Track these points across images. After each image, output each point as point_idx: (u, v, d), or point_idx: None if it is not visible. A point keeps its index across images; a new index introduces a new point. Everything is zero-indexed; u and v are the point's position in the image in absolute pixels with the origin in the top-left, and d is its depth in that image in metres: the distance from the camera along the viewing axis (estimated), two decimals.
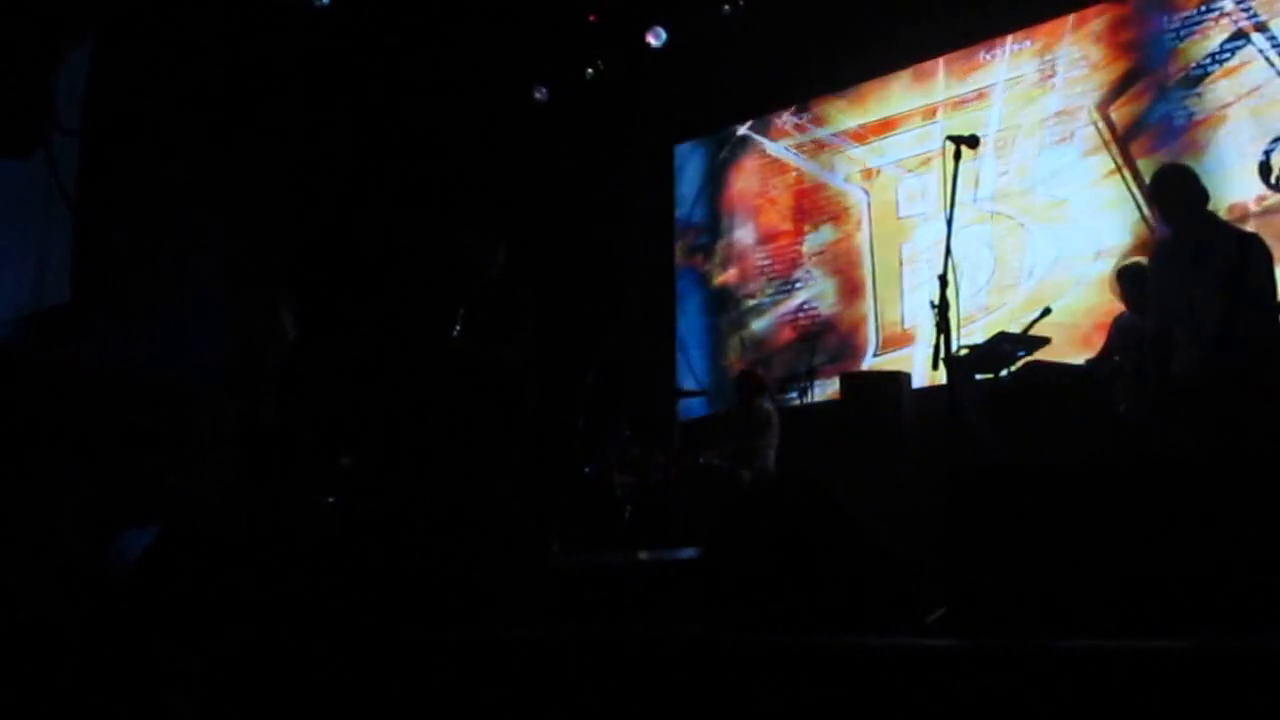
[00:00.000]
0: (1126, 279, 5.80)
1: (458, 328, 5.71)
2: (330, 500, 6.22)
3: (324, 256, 8.02)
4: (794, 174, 9.19)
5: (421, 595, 4.11)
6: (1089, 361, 5.76)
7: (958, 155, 4.67)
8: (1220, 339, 4.26)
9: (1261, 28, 6.88)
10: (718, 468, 7.29)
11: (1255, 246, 4.46)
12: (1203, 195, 4.56)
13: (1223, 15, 7.05)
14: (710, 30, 8.50)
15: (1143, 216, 7.18)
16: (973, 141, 4.75)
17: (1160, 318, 4.63)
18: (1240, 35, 6.97)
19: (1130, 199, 7.30)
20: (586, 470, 7.41)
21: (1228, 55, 7.00)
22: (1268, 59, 6.83)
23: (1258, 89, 6.82)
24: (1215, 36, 7.07)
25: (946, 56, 8.35)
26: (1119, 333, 5.66)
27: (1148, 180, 6.99)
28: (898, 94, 8.63)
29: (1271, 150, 6.69)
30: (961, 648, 2.71)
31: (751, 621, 3.39)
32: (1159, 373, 4.45)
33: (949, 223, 4.63)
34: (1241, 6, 6.98)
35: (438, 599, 4.11)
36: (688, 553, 4.73)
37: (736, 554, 3.62)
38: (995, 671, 2.55)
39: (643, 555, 5.39)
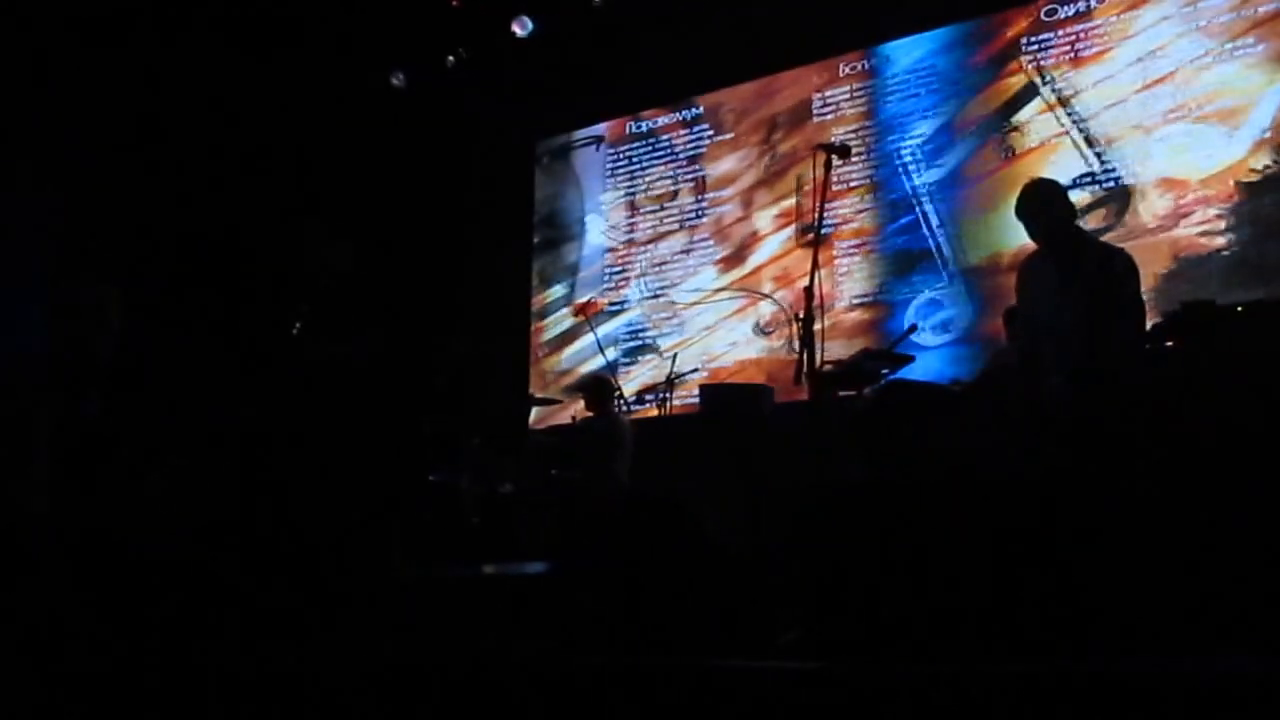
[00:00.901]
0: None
1: (299, 325, 5.47)
2: (160, 503, 5.90)
3: (159, 246, 7.61)
4: (647, 179, 9.11)
5: (255, 608, 3.92)
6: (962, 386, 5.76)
7: (828, 165, 4.60)
8: (1087, 356, 4.25)
9: (1042, 73, 7.16)
10: (569, 479, 7.14)
11: (1122, 262, 4.46)
12: (1069, 211, 4.56)
13: (1018, 63, 7.29)
14: (577, 23, 8.37)
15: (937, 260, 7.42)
16: (843, 151, 4.69)
17: (1027, 337, 4.63)
18: (1032, 88, 7.22)
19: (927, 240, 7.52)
20: (433, 478, 7.19)
21: (1022, 105, 7.25)
22: (1056, 116, 7.08)
23: (1052, 138, 7.08)
24: (1014, 84, 7.32)
25: (801, 69, 8.39)
26: (993, 364, 5.68)
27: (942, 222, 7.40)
28: (747, 103, 8.65)
29: None
30: (816, 669, 2.67)
31: (600, 640, 3.28)
32: (1024, 392, 4.44)
33: (816, 233, 4.56)
34: (1029, 58, 7.22)
35: (272, 612, 3.91)
36: (535, 568, 4.61)
37: (586, 570, 3.52)
38: (850, 693, 2.51)
39: (488, 569, 5.30)
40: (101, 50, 7.41)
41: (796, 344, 7.56)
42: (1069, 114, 7.01)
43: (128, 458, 5.84)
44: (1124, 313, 4.30)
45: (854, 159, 7.54)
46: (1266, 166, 6.31)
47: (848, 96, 8.10)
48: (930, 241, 7.51)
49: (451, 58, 8.69)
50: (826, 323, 7.31)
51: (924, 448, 4.50)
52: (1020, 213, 4.61)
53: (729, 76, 8.65)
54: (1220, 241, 6.38)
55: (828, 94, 8.23)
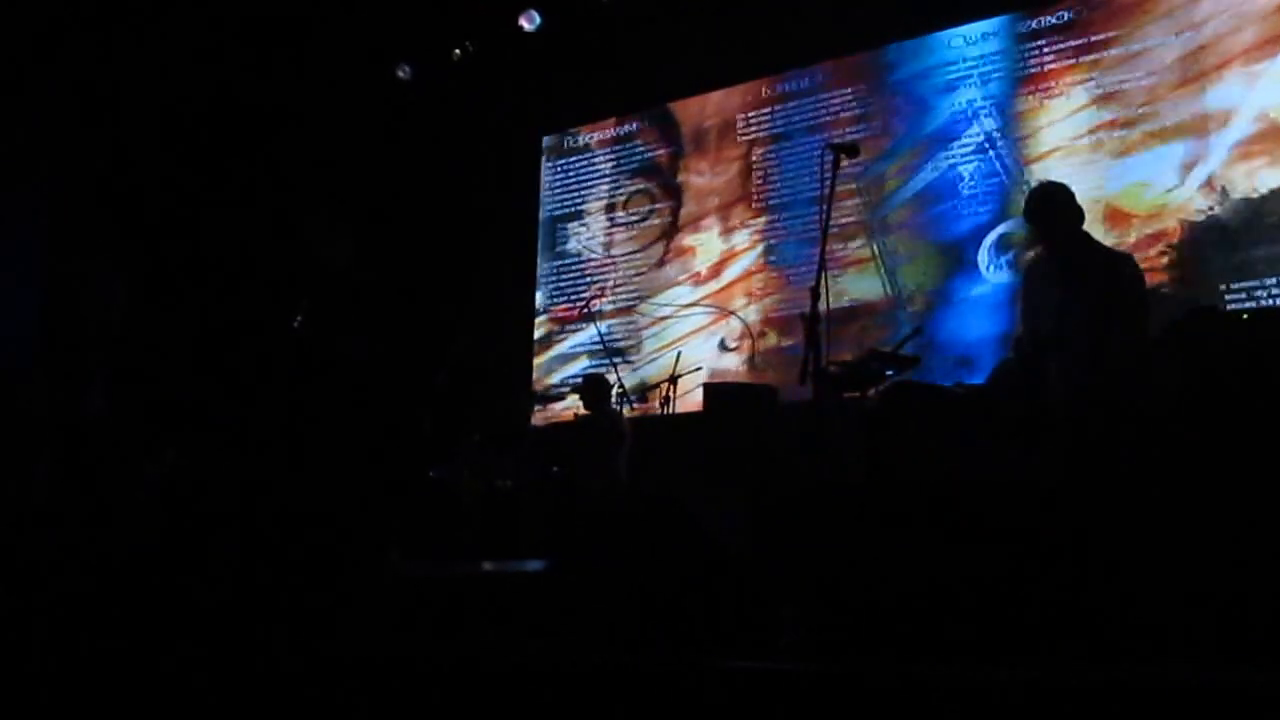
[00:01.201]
0: None
1: (300, 318, 5.44)
2: (158, 499, 5.89)
3: (160, 241, 7.59)
4: (623, 189, 9.09)
5: (252, 604, 3.89)
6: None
7: (836, 163, 4.57)
8: (1091, 361, 4.23)
9: (995, 105, 7.17)
10: (568, 477, 7.13)
11: (1127, 267, 4.46)
12: (1077, 215, 4.54)
13: (971, 92, 7.29)
14: (585, 19, 8.34)
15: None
16: (851, 150, 4.66)
17: (1030, 339, 4.61)
18: (981, 119, 7.22)
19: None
20: (433, 474, 7.17)
21: (958, 133, 7.28)
22: (1002, 147, 7.10)
23: (998, 170, 7.10)
24: (949, 110, 7.33)
25: (768, 78, 8.40)
26: (998, 368, 5.68)
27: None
28: (728, 114, 8.62)
29: (991, 242, 6.98)
30: (818, 670, 2.66)
31: (599, 639, 3.26)
32: (1027, 396, 4.42)
33: (823, 233, 4.52)
34: (983, 86, 7.24)
35: (270, 608, 3.89)
36: (534, 565, 4.59)
37: (585, 568, 3.50)
38: (850, 693, 2.51)
39: (488, 566, 5.30)
40: (105, 36, 7.39)
41: (759, 360, 7.70)
42: (1016, 144, 7.05)
43: (127, 453, 5.82)
44: (1130, 316, 4.29)
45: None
46: (1211, 208, 6.35)
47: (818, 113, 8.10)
48: (877, 267, 7.52)
49: (458, 51, 8.67)
50: (784, 341, 7.42)
51: (927, 449, 4.49)
52: (1029, 215, 4.60)
53: (718, 82, 8.64)
54: (1161, 278, 6.41)
55: (793, 103, 8.23)
